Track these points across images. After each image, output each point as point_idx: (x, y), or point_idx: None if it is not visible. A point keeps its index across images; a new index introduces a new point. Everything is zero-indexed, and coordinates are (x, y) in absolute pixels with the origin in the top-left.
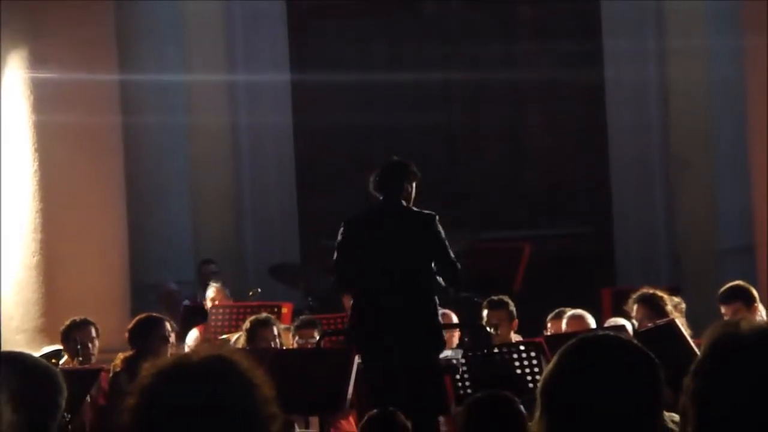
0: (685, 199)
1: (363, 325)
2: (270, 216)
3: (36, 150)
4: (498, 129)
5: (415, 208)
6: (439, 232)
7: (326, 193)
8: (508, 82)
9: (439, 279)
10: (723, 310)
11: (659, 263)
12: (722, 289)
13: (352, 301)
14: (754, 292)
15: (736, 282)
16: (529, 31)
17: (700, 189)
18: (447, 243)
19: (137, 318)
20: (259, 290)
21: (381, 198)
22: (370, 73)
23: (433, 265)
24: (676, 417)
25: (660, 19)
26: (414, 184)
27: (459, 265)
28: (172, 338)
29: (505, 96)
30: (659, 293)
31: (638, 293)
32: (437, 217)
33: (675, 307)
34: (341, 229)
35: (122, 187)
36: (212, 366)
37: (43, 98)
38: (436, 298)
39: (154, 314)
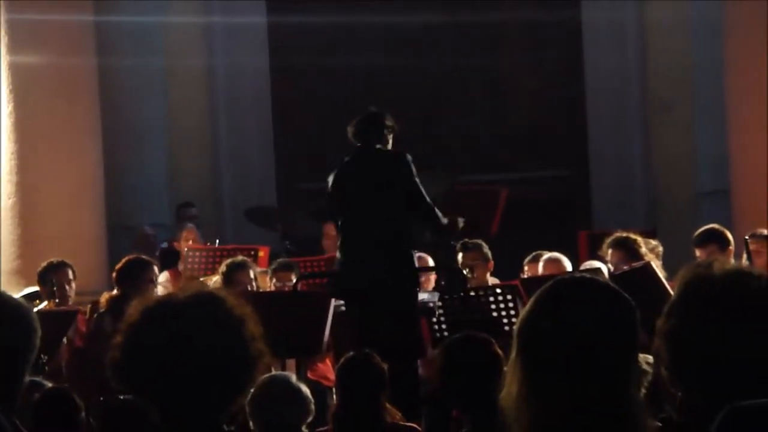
0: (662, 142)
1: (343, 268)
2: (247, 159)
3: (11, 92)
4: (477, 71)
5: (384, 148)
6: (409, 169)
7: (304, 136)
8: (487, 24)
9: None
10: (698, 253)
11: (636, 206)
12: (697, 232)
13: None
14: (729, 236)
15: (711, 225)
16: None
17: (677, 132)
18: (419, 183)
19: (126, 259)
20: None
21: (358, 144)
22: (348, 15)
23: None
24: (651, 359)
25: None
26: (391, 137)
27: (434, 208)
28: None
29: (484, 38)
30: (633, 236)
31: (612, 237)
32: (408, 156)
33: (651, 250)
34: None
35: (98, 129)
36: (199, 303)
37: (18, 39)
38: (408, 235)
39: (143, 256)
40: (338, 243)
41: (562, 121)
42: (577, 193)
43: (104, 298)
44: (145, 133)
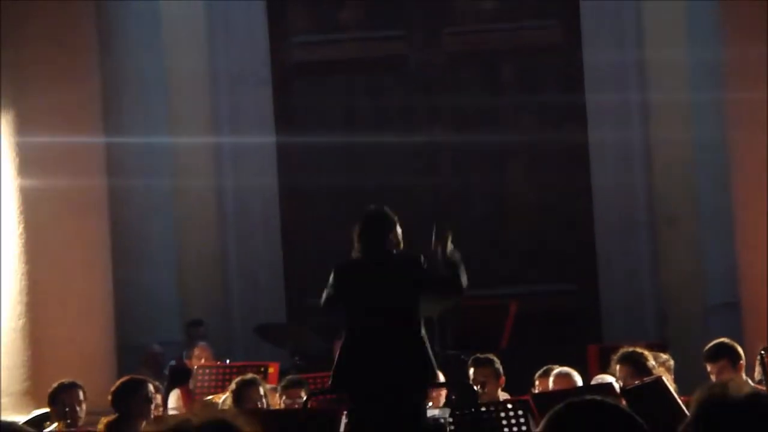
0: (670, 256)
1: (350, 368)
2: (256, 276)
3: (21, 213)
4: (483, 188)
5: (395, 252)
6: (424, 269)
7: (312, 253)
8: (493, 142)
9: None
10: (709, 368)
11: (646, 320)
12: (707, 347)
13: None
14: (740, 350)
15: (722, 339)
16: (514, 89)
17: (685, 245)
18: (433, 270)
19: (120, 381)
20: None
21: (364, 249)
22: (355, 134)
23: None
24: None
25: (642, 77)
26: (398, 228)
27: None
28: (158, 399)
29: (490, 155)
30: (640, 350)
31: (619, 353)
32: (422, 257)
33: (662, 364)
34: (331, 275)
35: (108, 249)
36: (213, 431)
37: (29, 161)
38: (425, 339)
39: (137, 376)
40: (343, 343)
41: (569, 235)
42: (586, 307)
43: (102, 423)
44: (154, 252)
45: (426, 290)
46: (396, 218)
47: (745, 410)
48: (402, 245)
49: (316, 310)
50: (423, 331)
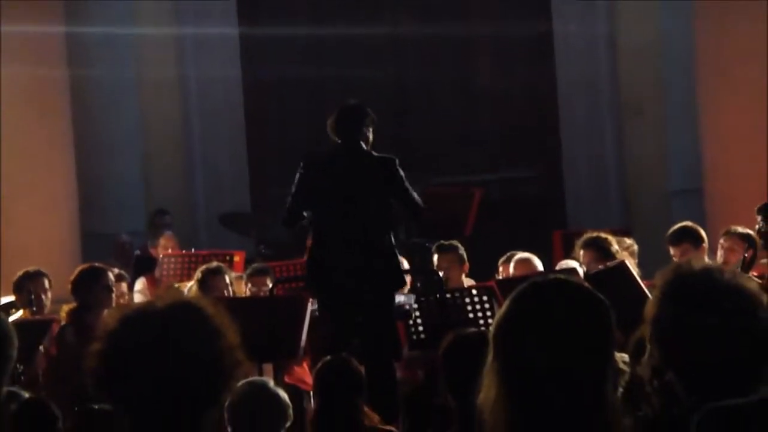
0: (634, 141)
1: (321, 267)
2: (220, 166)
3: None
4: (448, 78)
5: (374, 153)
6: (400, 175)
7: (276, 143)
8: (459, 35)
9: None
10: (672, 251)
11: (610, 205)
12: (671, 231)
13: (309, 244)
14: (702, 233)
15: (685, 223)
16: None
17: (650, 132)
18: (408, 184)
19: (79, 269)
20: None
21: (339, 140)
22: (319, 26)
23: (392, 205)
24: (627, 358)
25: None
26: (371, 129)
27: (422, 204)
28: (123, 287)
29: (456, 47)
30: (604, 235)
31: (583, 238)
32: (397, 161)
33: (626, 249)
34: (300, 165)
35: (71, 138)
36: (178, 312)
37: None
38: (392, 238)
39: (96, 264)
40: (312, 237)
41: (534, 122)
42: (550, 193)
43: (64, 311)
44: (118, 142)
45: (396, 196)
46: (373, 118)
47: (709, 284)
48: (370, 146)
49: (280, 199)
50: (391, 234)
